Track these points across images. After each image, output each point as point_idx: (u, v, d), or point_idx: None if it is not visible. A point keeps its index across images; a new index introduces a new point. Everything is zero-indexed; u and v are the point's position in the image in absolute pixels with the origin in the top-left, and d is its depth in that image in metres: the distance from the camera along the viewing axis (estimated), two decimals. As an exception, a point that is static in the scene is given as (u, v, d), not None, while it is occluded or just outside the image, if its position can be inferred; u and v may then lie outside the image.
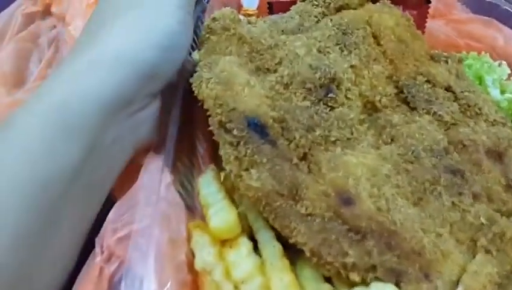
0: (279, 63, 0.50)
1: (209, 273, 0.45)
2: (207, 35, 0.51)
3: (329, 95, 0.48)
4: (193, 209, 0.51)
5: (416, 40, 0.57)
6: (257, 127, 0.44)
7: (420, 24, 0.63)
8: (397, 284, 0.40)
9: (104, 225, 0.47)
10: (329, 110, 0.47)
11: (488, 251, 0.43)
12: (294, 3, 0.60)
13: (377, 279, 0.40)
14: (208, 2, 0.62)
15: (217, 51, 0.50)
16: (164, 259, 0.44)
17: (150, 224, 0.44)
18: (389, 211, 0.42)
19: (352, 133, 0.47)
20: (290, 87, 0.48)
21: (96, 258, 0.46)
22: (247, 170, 0.43)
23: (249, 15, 0.60)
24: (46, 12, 0.74)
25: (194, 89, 0.48)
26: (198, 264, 0.46)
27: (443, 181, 0.45)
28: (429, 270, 0.40)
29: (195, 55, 0.51)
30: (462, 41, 0.70)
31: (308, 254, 0.41)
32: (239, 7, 0.62)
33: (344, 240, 0.41)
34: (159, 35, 0.46)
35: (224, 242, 0.46)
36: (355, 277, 0.40)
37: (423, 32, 0.64)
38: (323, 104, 0.48)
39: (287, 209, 0.42)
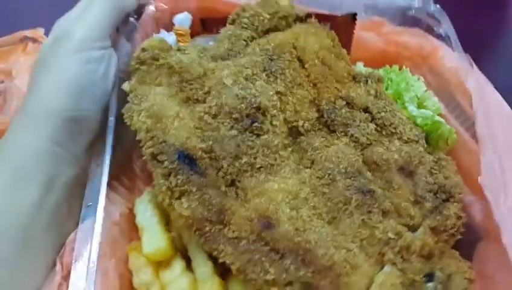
0: (208, 92, 0.58)
1: (146, 291, 0.54)
2: (137, 66, 0.58)
3: (254, 124, 0.56)
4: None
5: (340, 60, 0.66)
6: (186, 159, 0.53)
7: (347, 40, 0.73)
8: (311, 296, 0.50)
9: (65, 244, 0.56)
10: (255, 138, 0.56)
11: (394, 263, 0.54)
12: (226, 19, 0.68)
13: (294, 292, 0.50)
14: (138, 20, 0.68)
15: (147, 82, 0.57)
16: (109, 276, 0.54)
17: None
18: (305, 231, 0.52)
19: (275, 159, 0.56)
20: (218, 117, 0.56)
21: (57, 276, 0.54)
22: (178, 199, 0.52)
23: (181, 35, 0.66)
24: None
25: (125, 120, 0.55)
26: (136, 283, 0.55)
27: (354, 201, 0.55)
28: (339, 283, 0.51)
29: (126, 86, 0.58)
30: (392, 49, 0.80)
31: (234, 272, 0.51)
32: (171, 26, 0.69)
33: (266, 260, 0.51)
34: (70, 83, 0.57)
35: (159, 262, 0.55)
36: (275, 291, 0.50)
37: (350, 48, 0.74)
38: (250, 132, 0.56)
39: (215, 233, 0.52)
